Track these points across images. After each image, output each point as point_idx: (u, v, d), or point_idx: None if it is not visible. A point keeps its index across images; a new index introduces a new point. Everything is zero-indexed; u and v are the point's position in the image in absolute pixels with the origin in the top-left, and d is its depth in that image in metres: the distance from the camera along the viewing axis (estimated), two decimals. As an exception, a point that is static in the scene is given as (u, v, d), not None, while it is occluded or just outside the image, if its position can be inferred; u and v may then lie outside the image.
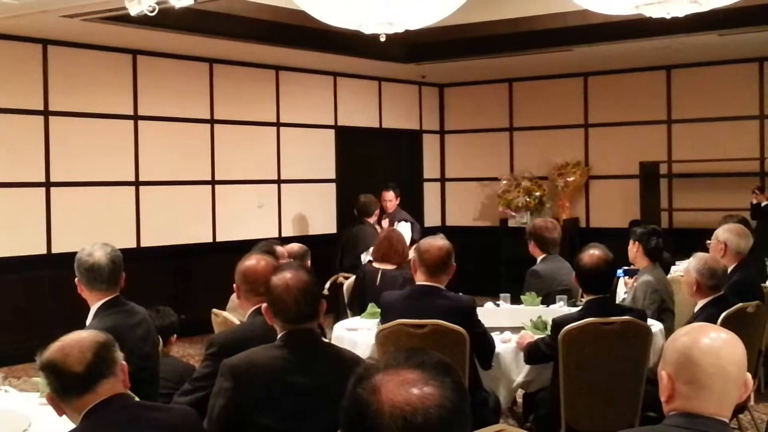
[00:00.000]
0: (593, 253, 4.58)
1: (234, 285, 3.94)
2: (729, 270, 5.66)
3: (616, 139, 11.45)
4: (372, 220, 9.08)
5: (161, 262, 9.21)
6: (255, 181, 10.34)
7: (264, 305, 3.17)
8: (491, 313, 5.62)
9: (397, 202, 9.44)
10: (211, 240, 9.87)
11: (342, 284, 8.04)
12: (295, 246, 6.17)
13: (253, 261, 3.92)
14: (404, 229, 9.06)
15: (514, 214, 11.53)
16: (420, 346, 3.75)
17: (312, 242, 7.68)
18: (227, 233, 9.95)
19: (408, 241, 8.46)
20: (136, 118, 9.21)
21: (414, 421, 1.51)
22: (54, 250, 8.48)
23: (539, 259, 6.15)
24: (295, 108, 10.76)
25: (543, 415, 4.69)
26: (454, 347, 4.33)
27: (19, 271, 8.26)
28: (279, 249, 5.62)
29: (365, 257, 8.54)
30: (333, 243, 10.43)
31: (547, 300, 5.78)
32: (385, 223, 9.22)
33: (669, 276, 6.28)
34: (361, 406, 1.55)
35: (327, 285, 8.43)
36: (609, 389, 4.47)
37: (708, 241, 6.13)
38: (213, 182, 9.91)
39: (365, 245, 8.67)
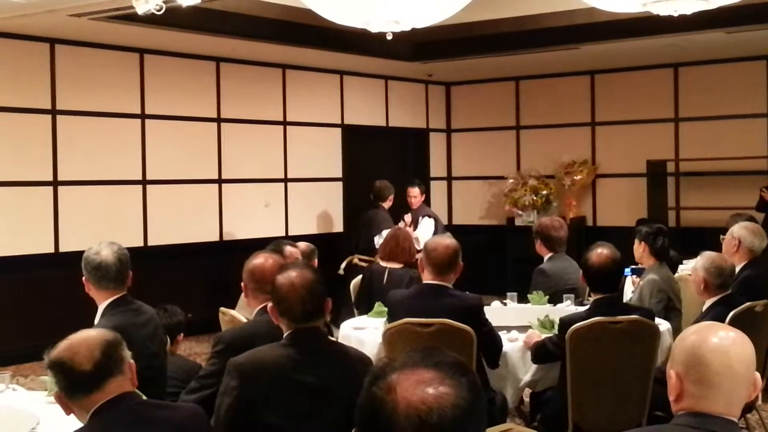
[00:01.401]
0: (601, 252, 4.56)
1: (242, 283, 3.95)
2: (740, 267, 5.67)
3: (623, 137, 11.43)
4: (387, 204, 9.37)
5: (168, 260, 9.22)
6: (262, 179, 10.34)
7: (270, 304, 3.18)
8: (498, 312, 5.62)
9: (422, 199, 9.63)
10: (218, 239, 9.88)
11: (357, 265, 8.23)
12: (302, 245, 6.17)
13: (260, 259, 3.93)
14: (428, 225, 9.20)
15: (520, 212, 11.52)
16: (427, 344, 3.76)
17: (319, 241, 7.69)
18: (234, 232, 9.96)
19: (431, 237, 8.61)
20: (143, 116, 9.22)
21: (429, 421, 1.51)
22: (62, 249, 8.49)
23: (546, 257, 6.14)
24: (302, 106, 10.76)
25: (550, 414, 4.69)
26: (461, 346, 4.33)
27: (26, 270, 8.27)
28: (288, 249, 5.59)
29: (378, 240, 8.69)
30: (341, 241, 10.46)
31: (554, 299, 5.78)
32: (408, 218, 9.34)
33: (676, 275, 6.27)
34: (376, 404, 1.55)
35: (342, 266, 8.63)
36: (616, 388, 4.46)
37: (722, 236, 6.12)
38: (220, 181, 9.92)
39: (378, 228, 8.95)
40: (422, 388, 1.54)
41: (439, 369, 1.57)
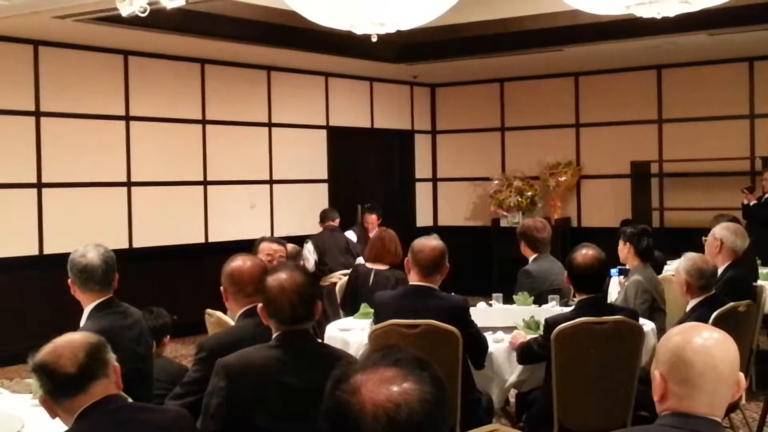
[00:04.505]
0: (586, 252, 4.58)
1: (221, 288, 3.90)
2: (723, 267, 5.70)
3: (607, 138, 11.48)
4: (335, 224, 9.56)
5: (153, 262, 9.20)
6: (247, 181, 10.33)
7: (260, 305, 3.17)
8: (484, 313, 5.63)
9: (379, 223, 9.77)
10: (203, 240, 9.86)
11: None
12: (287, 246, 6.15)
13: (238, 262, 3.87)
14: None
15: (505, 213, 11.55)
16: (413, 346, 3.76)
17: (304, 243, 7.68)
18: (219, 234, 9.94)
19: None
20: (127, 118, 9.19)
21: (398, 418, 1.50)
22: (46, 251, 8.46)
23: (531, 258, 6.16)
24: (287, 108, 10.75)
25: (536, 414, 4.70)
26: (447, 347, 4.33)
27: (11, 273, 8.23)
28: (263, 245, 5.60)
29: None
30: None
31: (540, 300, 5.79)
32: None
33: (660, 275, 6.29)
34: (341, 408, 1.54)
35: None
36: (601, 389, 4.47)
37: (704, 238, 6.15)
38: (205, 183, 9.90)
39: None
40: (386, 386, 1.53)
41: (399, 366, 1.57)
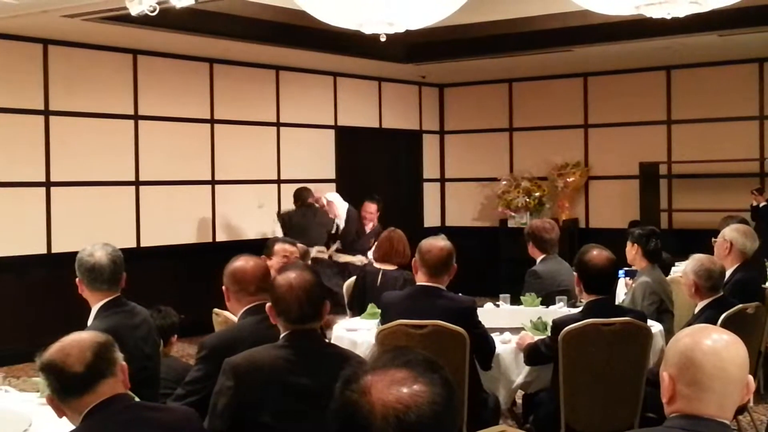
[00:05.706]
0: (599, 253, 4.55)
1: (223, 287, 3.91)
2: (732, 269, 5.68)
3: (616, 139, 11.45)
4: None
5: (161, 262, 9.21)
6: (255, 181, 10.34)
7: (268, 304, 3.18)
8: (491, 314, 5.62)
9: (377, 216, 9.31)
10: (211, 240, 9.86)
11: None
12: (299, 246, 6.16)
13: (241, 262, 3.90)
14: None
15: (513, 214, 11.53)
16: (420, 346, 3.75)
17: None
18: (227, 233, 9.95)
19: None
20: (136, 117, 9.21)
21: (408, 420, 1.50)
22: (54, 250, 8.47)
23: (539, 259, 6.15)
24: (295, 108, 10.76)
25: (543, 416, 4.69)
26: (454, 348, 4.33)
27: (18, 271, 8.25)
28: (278, 246, 5.61)
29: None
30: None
31: (547, 301, 5.78)
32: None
33: (669, 277, 6.28)
34: (351, 408, 1.54)
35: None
36: (609, 390, 4.47)
37: (714, 239, 6.13)
38: (213, 182, 9.91)
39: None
40: (396, 387, 1.53)
41: (410, 368, 1.57)
